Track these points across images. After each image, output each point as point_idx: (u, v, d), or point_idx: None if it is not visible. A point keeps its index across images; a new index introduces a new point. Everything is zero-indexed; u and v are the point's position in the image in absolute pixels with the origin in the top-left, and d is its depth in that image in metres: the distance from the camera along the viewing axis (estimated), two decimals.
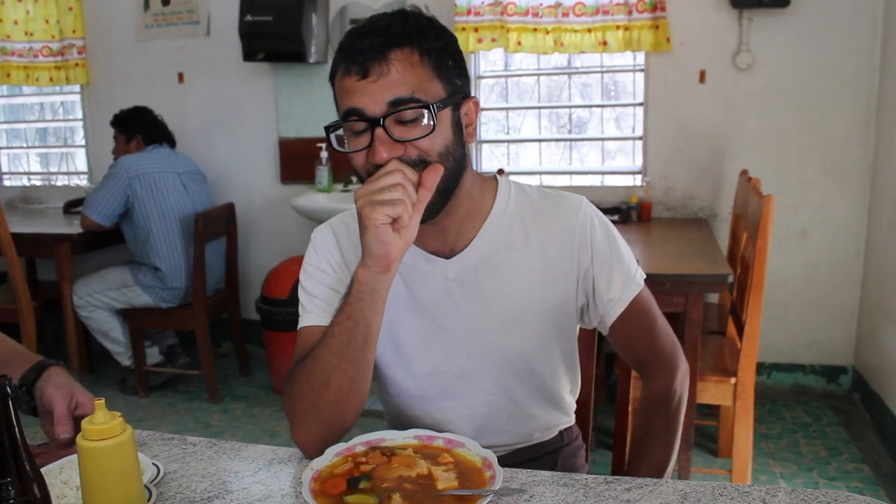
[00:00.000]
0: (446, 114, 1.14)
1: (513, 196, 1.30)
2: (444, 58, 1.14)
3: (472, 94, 1.22)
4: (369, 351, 1.17)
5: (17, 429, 0.84)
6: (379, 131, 1.10)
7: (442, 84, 1.14)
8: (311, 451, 1.17)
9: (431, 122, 1.11)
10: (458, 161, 1.17)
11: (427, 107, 1.10)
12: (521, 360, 1.30)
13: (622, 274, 1.29)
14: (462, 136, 1.18)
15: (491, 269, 1.26)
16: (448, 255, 1.27)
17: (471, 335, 1.28)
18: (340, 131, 1.17)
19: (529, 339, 1.29)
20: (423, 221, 1.14)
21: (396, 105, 1.09)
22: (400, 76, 1.09)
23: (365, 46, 1.10)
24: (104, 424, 0.94)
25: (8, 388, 0.83)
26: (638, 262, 1.35)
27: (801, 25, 3.27)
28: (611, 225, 1.33)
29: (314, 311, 1.27)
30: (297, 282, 1.35)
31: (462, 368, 1.30)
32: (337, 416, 1.18)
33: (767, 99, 3.37)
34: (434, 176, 1.11)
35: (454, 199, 1.20)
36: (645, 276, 1.34)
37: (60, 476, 1.07)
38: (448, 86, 1.15)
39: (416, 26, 1.13)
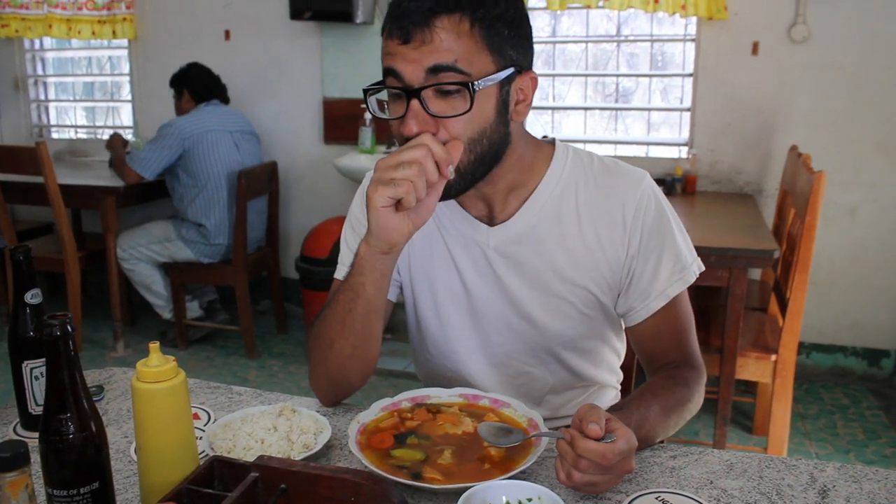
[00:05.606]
0: (491, 91, 1.05)
1: (568, 165, 1.20)
2: (499, 27, 1.03)
3: (531, 69, 1.11)
4: (373, 323, 1.15)
5: (76, 368, 0.85)
6: (414, 103, 1.02)
7: (492, 57, 1.04)
8: (322, 399, 1.23)
9: (468, 103, 1.02)
10: (495, 143, 1.09)
11: (466, 84, 1.01)
12: (559, 340, 1.24)
13: (671, 265, 1.18)
14: (507, 114, 1.09)
15: (535, 243, 1.19)
16: (491, 223, 1.21)
17: (509, 310, 1.23)
18: (381, 95, 1.09)
19: (570, 319, 1.22)
20: (444, 198, 1.07)
21: (436, 72, 1.01)
22: (444, 44, 1.00)
23: (411, 9, 1.01)
24: (158, 367, 0.95)
25: (69, 328, 0.85)
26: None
27: None
28: (669, 208, 1.22)
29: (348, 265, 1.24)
30: (337, 242, 1.35)
31: (501, 339, 1.25)
32: (340, 376, 1.20)
33: (822, 73, 3.27)
34: (454, 153, 1.03)
35: (495, 171, 1.13)
36: (701, 271, 1.22)
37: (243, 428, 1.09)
38: (500, 58, 1.04)
39: None
